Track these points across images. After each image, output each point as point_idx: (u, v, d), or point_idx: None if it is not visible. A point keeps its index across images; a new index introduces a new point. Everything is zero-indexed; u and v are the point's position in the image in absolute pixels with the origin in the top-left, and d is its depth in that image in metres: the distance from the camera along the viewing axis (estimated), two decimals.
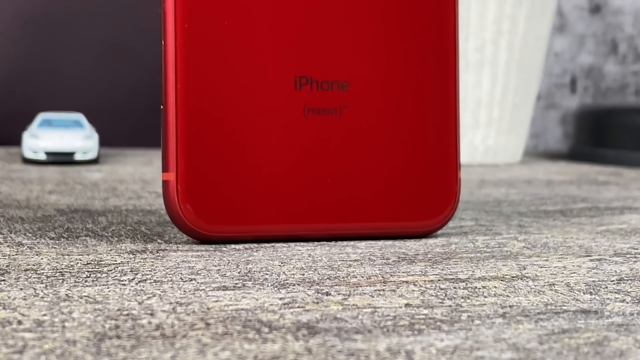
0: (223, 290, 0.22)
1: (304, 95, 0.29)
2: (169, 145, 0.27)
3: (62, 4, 0.73)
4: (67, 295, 0.21)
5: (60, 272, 0.23)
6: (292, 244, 0.28)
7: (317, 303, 0.20)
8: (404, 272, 0.24)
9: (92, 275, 0.23)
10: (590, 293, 0.22)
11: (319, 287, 0.22)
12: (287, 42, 0.29)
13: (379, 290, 0.22)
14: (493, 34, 0.60)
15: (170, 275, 0.23)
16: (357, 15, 0.30)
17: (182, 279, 0.23)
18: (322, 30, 0.29)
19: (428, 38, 0.31)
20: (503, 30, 0.61)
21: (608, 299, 0.21)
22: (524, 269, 0.25)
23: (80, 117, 0.57)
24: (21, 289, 0.21)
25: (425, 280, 0.23)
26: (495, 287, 0.22)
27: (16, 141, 0.61)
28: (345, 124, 0.29)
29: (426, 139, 0.30)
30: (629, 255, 0.27)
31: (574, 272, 0.24)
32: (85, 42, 0.74)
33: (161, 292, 0.21)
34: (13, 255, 0.25)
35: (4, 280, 0.22)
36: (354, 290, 0.22)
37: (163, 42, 0.28)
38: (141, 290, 0.21)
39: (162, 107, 0.28)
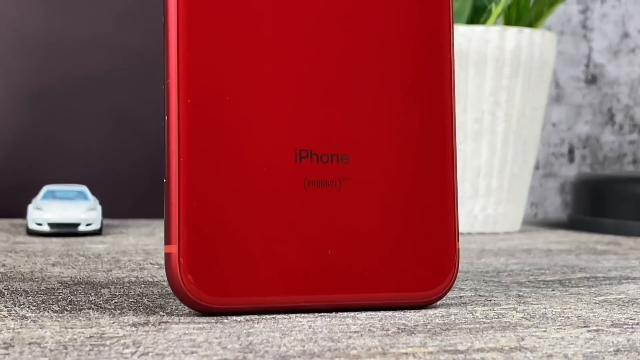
0: None
1: (304, 168, 0.30)
2: (172, 218, 0.28)
3: (66, 78, 0.74)
4: None
5: (63, 345, 0.23)
6: (292, 315, 0.28)
7: None
8: (403, 344, 0.24)
9: (94, 348, 0.23)
10: None
11: (319, 359, 0.22)
12: (287, 115, 0.30)
13: None
14: (490, 105, 0.61)
15: (172, 348, 0.23)
16: (357, 87, 0.30)
17: (183, 351, 0.23)
18: (321, 102, 0.30)
19: (426, 109, 0.31)
20: (500, 102, 0.62)
21: None
22: (523, 339, 0.25)
23: (84, 188, 0.58)
24: None
25: (424, 352, 0.23)
26: (494, 359, 0.23)
27: (22, 213, 0.62)
28: (344, 196, 0.30)
29: (424, 211, 0.31)
30: (626, 326, 0.27)
31: (572, 343, 0.25)
32: (89, 115, 0.75)
33: None
34: (17, 329, 0.26)
35: (8, 354, 0.22)
36: None
37: (166, 117, 0.29)
38: None
39: (164, 180, 0.28)
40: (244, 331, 0.26)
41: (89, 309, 0.29)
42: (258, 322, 0.27)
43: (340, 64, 0.30)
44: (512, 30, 0.61)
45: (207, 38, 0.29)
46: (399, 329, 0.26)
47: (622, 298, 0.33)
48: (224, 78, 0.29)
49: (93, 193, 0.59)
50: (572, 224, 0.68)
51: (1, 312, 0.28)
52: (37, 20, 0.74)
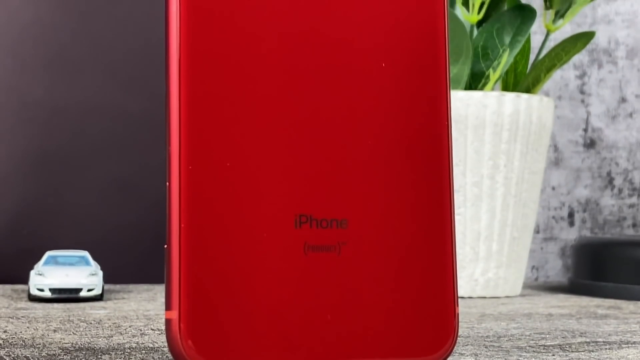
0: None
1: (304, 233, 0.30)
2: (172, 284, 0.28)
3: (69, 144, 0.75)
4: None
5: None
6: None
7: None
8: None
9: None
10: None
11: None
12: (287, 180, 0.30)
13: None
14: (489, 169, 0.62)
15: None
16: (356, 152, 0.31)
17: None
18: (321, 166, 0.30)
19: (424, 173, 0.32)
20: (499, 166, 0.62)
21: None
22: None
23: (85, 254, 0.58)
24: None
25: None
26: None
27: (24, 279, 0.62)
28: (344, 261, 0.30)
29: (423, 275, 0.31)
30: None
31: None
32: (91, 181, 0.75)
33: None
34: None
35: None
36: None
37: (167, 183, 0.29)
38: None
39: (165, 246, 0.29)
40: None
41: None
42: None
43: (339, 128, 0.31)
44: (510, 96, 0.62)
45: (208, 108, 0.29)
46: None
47: None
48: (225, 144, 0.30)
49: (95, 258, 0.59)
50: (573, 288, 0.68)
51: None
52: (41, 87, 0.75)
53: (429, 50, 0.32)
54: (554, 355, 0.35)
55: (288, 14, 0.31)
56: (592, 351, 0.36)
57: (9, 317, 0.45)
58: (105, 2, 0.75)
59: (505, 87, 0.67)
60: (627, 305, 0.57)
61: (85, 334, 0.39)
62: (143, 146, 0.75)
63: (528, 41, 0.66)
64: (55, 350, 0.34)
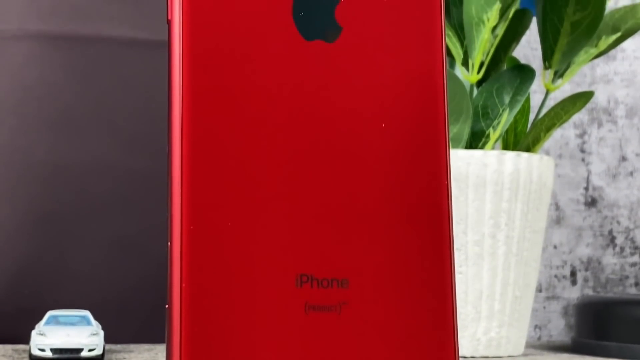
0: None
1: (305, 293, 0.30)
2: (173, 344, 0.28)
3: (71, 203, 0.75)
4: None
5: None
6: None
7: None
8: None
9: None
10: None
11: None
12: (288, 239, 0.30)
13: None
14: (490, 228, 0.62)
15: None
16: (356, 211, 0.31)
17: None
18: (322, 225, 0.31)
19: (424, 232, 0.32)
20: (500, 224, 0.62)
21: None
22: None
23: (87, 313, 0.58)
24: None
25: None
26: None
27: (25, 339, 0.62)
28: (345, 321, 0.30)
29: (424, 335, 0.31)
30: None
31: None
32: (94, 240, 0.75)
33: None
34: None
35: None
36: None
37: (169, 242, 0.29)
38: None
39: (166, 306, 0.29)
40: None
41: None
42: None
43: (340, 188, 0.31)
44: (511, 155, 0.62)
45: (209, 168, 0.30)
46: None
47: None
48: (226, 204, 0.30)
49: (96, 318, 0.59)
50: (576, 347, 0.68)
51: None
52: (44, 146, 0.75)
53: (428, 109, 0.33)
54: None
55: (290, 75, 0.31)
56: None
57: None
58: (109, 62, 0.76)
59: (506, 146, 0.67)
60: None
61: None
62: (145, 206, 0.75)
63: (528, 100, 0.66)
64: None
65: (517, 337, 0.63)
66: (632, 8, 0.64)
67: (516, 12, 0.65)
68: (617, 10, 0.64)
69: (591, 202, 0.86)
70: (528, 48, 0.85)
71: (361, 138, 0.31)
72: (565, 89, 0.83)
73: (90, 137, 0.76)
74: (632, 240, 0.86)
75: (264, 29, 0.31)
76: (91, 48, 0.74)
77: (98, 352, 0.55)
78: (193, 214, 0.29)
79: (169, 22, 0.30)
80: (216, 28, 0.30)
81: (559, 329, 0.84)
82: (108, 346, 0.62)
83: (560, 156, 0.86)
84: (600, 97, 0.87)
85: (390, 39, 0.32)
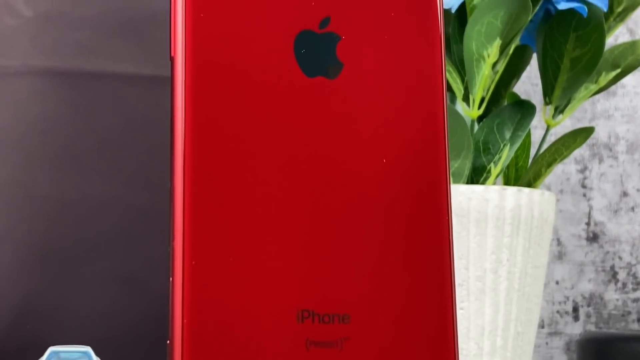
0: None
1: (306, 328, 0.30)
2: None
3: (74, 239, 0.75)
4: None
5: None
6: None
7: None
8: None
9: None
10: None
11: None
12: (290, 275, 0.30)
13: None
14: (492, 263, 0.62)
15: None
16: (357, 246, 0.31)
17: None
18: (323, 261, 0.31)
19: (425, 268, 0.32)
20: (502, 260, 0.62)
21: None
22: None
23: (88, 349, 0.58)
24: None
25: None
26: None
27: None
28: (346, 357, 0.30)
29: None
30: None
31: None
32: (96, 275, 0.75)
33: None
34: None
35: None
36: None
37: (171, 278, 0.29)
38: None
39: (168, 342, 0.29)
40: None
41: None
42: None
43: (341, 223, 0.31)
44: (512, 190, 0.62)
45: (211, 204, 0.30)
46: None
47: None
48: (228, 240, 0.30)
49: (97, 353, 0.59)
50: None
51: None
52: (47, 182, 0.75)
53: (429, 145, 0.33)
54: None
55: (291, 112, 0.31)
56: None
57: None
58: (112, 98, 0.76)
59: (507, 182, 0.67)
60: None
61: None
62: (147, 241, 0.75)
63: (528, 136, 0.66)
64: None
65: None
66: (632, 44, 0.65)
67: (516, 48, 0.66)
68: (617, 47, 0.65)
69: (593, 238, 0.86)
70: (529, 84, 0.86)
71: (362, 174, 0.32)
72: (566, 124, 0.83)
73: (93, 172, 0.76)
74: (634, 276, 0.86)
75: (266, 65, 0.31)
76: (95, 84, 0.74)
77: None
78: (195, 249, 0.29)
79: (172, 59, 0.30)
80: (219, 64, 0.30)
81: None
82: None
83: (561, 191, 0.86)
84: (601, 133, 0.87)
85: (391, 75, 0.33)
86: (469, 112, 0.64)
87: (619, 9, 0.64)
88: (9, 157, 0.75)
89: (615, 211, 0.86)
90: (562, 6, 0.60)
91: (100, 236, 0.75)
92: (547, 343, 0.84)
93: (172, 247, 0.29)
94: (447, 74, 0.63)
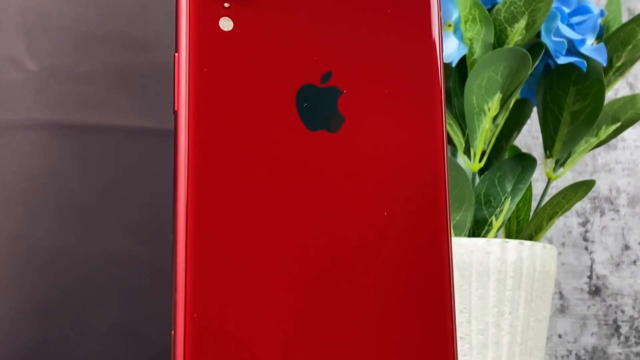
0: None
1: None
2: None
3: (76, 292, 0.75)
4: None
5: None
6: None
7: None
8: None
9: None
10: None
11: None
12: (290, 333, 0.30)
13: None
14: (494, 316, 0.62)
15: None
16: (357, 302, 0.31)
17: None
18: (325, 320, 0.31)
19: (427, 321, 0.32)
20: (504, 313, 0.62)
21: None
22: None
23: None
24: None
25: None
26: None
27: None
28: None
29: None
30: None
31: None
32: (97, 328, 0.75)
33: None
34: None
35: None
36: None
37: (173, 332, 0.29)
38: None
39: None
40: None
41: None
42: None
43: (343, 279, 0.31)
44: (513, 243, 0.62)
45: (213, 260, 0.30)
46: None
47: None
48: (229, 295, 0.30)
49: None
50: None
51: None
52: (49, 235, 0.75)
53: (430, 198, 0.33)
54: None
55: (293, 166, 0.32)
56: None
57: None
58: (116, 151, 0.76)
59: (509, 235, 0.67)
60: None
61: None
62: (149, 294, 0.75)
63: (529, 189, 0.67)
64: None
65: None
66: (632, 98, 0.65)
67: (517, 101, 0.66)
68: (617, 101, 0.65)
69: (595, 291, 0.86)
70: (529, 137, 0.86)
71: (363, 227, 0.32)
72: (567, 177, 0.84)
73: (95, 225, 0.76)
74: (637, 330, 0.85)
75: (268, 119, 0.31)
76: (98, 137, 0.75)
77: None
78: (197, 302, 0.29)
79: (175, 113, 0.31)
80: (221, 119, 0.31)
81: None
82: None
83: (563, 244, 0.86)
84: (602, 186, 0.87)
85: (392, 128, 0.33)
86: (470, 165, 0.64)
87: (619, 64, 0.65)
88: (12, 210, 0.75)
89: (617, 264, 0.86)
90: (561, 60, 0.60)
91: (102, 289, 0.75)
92: None
93: (174, 300, 0.29)
94: (448, 127, 0.63)
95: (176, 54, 0.31)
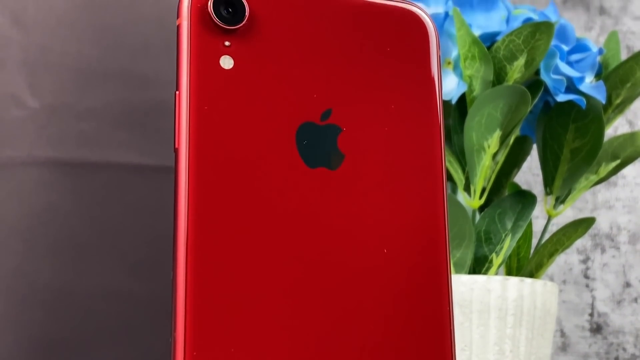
0: None
1: None
2: None
3: (75, 329, 0.75)
4: None
5: None
6: None
7: None
8: None
9: None
10: None
11: None
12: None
13: None
14: (495, 354, 0.62)
15: None
16: (359, 337, 0.31)
17: None
18: (326, 355, 0.31)
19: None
20: (505, 351, 0.62)
21: None
22: None
23: None
24: None
25: None
26: None
27: None
28: None
29: None
30: None
31: None
32: None
33: None
34: None
35: None
36: None
37: None
38: None
39: None
40: None
41: None
42: None
43: (343, 316, 0.31)
44: (514, 280, 0.62)
45: (212, 296, 0.30)
46: None
47: None
48: (229, 332, 0.30)
49: None
50: None
51: None
52: (49, 272, 0.75)
53: (429, 235, 0.33)
54: None
55: (293, 203, 0.32)
56: None
57: None
58: (116, 188, 0.76)
59: (509, 272, 0.67)
60: None
61: None
62: (149, 332, 0.75)
63: (530, 226, 0.67)
64: None
65: None
66: (631, 136, 0.65)
67: (517, 139, 0.66)
68: (616, 138, 0.66)
69: (596, 329, 0.85)
70: (529, 174, 0.86)
71: (363, 264, 0.32)
72: (567, 214, 0.84)
73: (95, 262, 0.76)
74: None
75: (268, 157, 0.31)
76: (99, 174, 0.75)
77: None
78: (196, 340, 0.29)
79: (176, 150, 0.31)
80: (222, 156, 0.31)
81: None
82: None
83: (564, 282, 0.86)
84: (603, 223, 0.87)
85: (391, 165, 0.33)
86: (470, 202, 0.65)
87: (618, 101, 0.65)
88: (13, 247, 0.75)
89: (619, 302, 0.86)
90: (560, 98, 0.61)
91: (102, 327, 0.75)
92: None
93: (174, 338, 0.29)
94: (448, 164, 0.63)
95: (177, 92, 0.31)
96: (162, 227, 0.75)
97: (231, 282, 0.30)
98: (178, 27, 0.31)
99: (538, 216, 0.82)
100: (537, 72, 0.62)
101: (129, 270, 0.76)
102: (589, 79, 0.62)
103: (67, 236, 0.76)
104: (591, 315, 0.86)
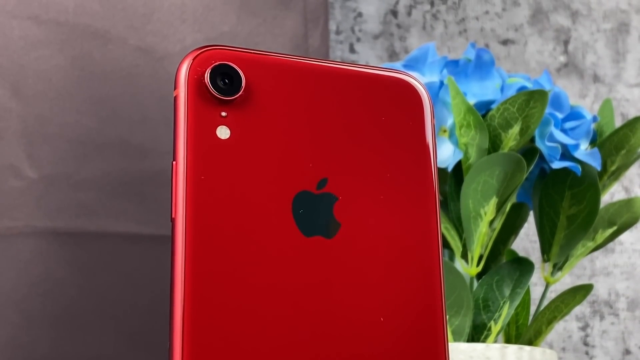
0: None
1: None
2: None
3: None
4: None
5: None
6: None
7: None
8: None
9: None
10: None
11: None
12: None
13: None
14: None
15: None
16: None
17: None
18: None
19: None
20: None
21: None
22: None
23: None
24: None
25: None
26: None
27: None
28: None
29: None
30: None
31: None
32: None
33: None
34: None
35: None
36: None
37: None
38: None
39: None
40: None
41: None
42: None
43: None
44: (513, 348, 0.62)
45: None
46: None
47: None
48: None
49: None
50: None
51: None
52: (47, 343, 0.75)
53: (426, 303, 0.33)
54: None
55: (289, 272, 0.32)
56: None
57: None
58: (114, 257, 0.76)
59: (508, 339, 0.67)
60: None
61: None
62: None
63: (528, 293, 0.66)
64: None
65: None
66: (627, 202, 0.66)
67: (513, 205, 0.67)
68: (613, 205, 0.66)
69: None
70: (527, 240, 0.86)
71: (360, 332, 0.32)
72: (565, 281, 0.84)
73: (93, 332, 0.76)
74: None
75: (264, 226, 0.32)
76: (97, 243, 0.75)
77: None
78: None
79: (172, 220, 0.31)
80: (218, 226, 0.31)
81: None
82: None
83: (563, 349, 0.85)
84: (601, 290, 0.87)
85: (387, 234, 0.33)
86: (467, 269, 0.65)
87: (613, 168, 0.65)
88: (10, 318, 0.75)
89: None
90: (556, 165, 0.61)
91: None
92: None
93: None
94: (445, 231, 0.64)
95: (174, 162, 0.31)
96: (159, 296, 0.75)
97: (228, 354, 0.30)
98: (175, 98, 0.32)
99: (536, 283, 0.82)
100: (532, 140, 0.63)
101: (126, 340, 0.76)
102: (584, 146, 0.63)
103: (64, 307, 0.76)
104: None
